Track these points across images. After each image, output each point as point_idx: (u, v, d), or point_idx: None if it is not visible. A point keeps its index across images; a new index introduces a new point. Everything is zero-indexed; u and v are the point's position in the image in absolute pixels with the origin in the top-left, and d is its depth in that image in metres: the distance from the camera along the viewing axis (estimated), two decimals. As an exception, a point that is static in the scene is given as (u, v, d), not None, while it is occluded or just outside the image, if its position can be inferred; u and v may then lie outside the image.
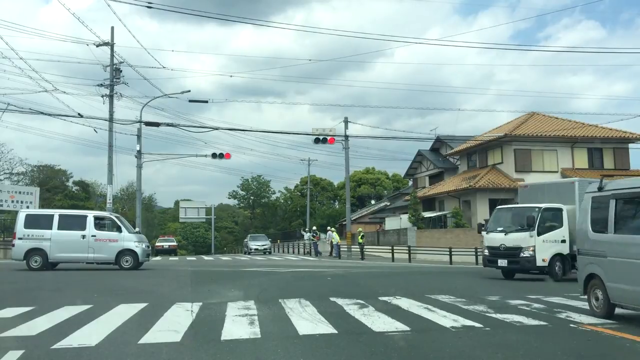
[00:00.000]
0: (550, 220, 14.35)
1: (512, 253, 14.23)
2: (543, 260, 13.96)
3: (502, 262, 14.47)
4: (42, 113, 25.16)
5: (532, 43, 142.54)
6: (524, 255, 14.08)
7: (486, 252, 15.11)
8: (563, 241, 14.21)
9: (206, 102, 35.17)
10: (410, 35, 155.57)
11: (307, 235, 37.49)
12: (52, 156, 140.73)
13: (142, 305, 8.27)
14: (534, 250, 14.02)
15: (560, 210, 14.38)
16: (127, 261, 16.87)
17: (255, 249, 38.26)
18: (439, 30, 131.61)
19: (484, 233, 15.49)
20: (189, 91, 29.81)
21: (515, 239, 14.30)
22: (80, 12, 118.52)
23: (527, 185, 16.91)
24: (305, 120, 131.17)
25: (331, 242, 32.98)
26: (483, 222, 17.13)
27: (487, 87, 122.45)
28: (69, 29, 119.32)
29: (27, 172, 48.00)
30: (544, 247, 14.06)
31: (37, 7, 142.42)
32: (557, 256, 14.07)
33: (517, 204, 16.88)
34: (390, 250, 27.60)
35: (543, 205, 14.36)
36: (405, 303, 8.69)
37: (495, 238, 14.74)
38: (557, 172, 30.74)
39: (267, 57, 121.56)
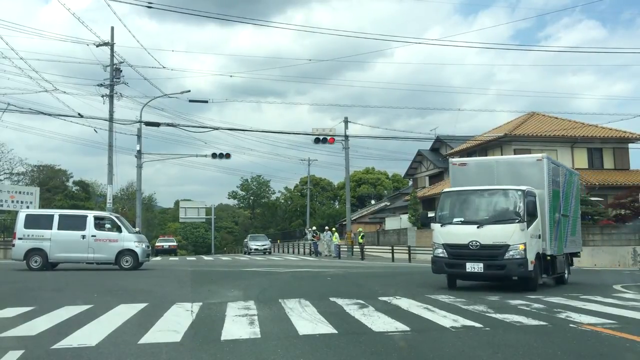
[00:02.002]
0: (530, 209, 10.82)
1: (492, 253, 10.41)
2: (531, 262, 10.45)
3: (474, 267, 10.48)
4: (42, 113, 25.22)
5: (532, 43, 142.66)
6: (512, 257, 10.25)
7: (440, 252, 11.00)
8: (539, 236, 11.06)
9: (206, 102, 35.33)
10: (410, 35, 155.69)
11: (309, 235, 37.43)
12: (52, 156, 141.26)
13: (142, 305, 8.27)
14: (525, 250, 10.29)
15: (534, 195, 11.03)
16: (127, 261, 16.87)
17: (255, 249, 38.28)
18: (439, 30, 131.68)
19: (436, 226, 11.25)
20: (189, 91, 29.91)
21: (496, 233, 10.45)
22: (80, 12, 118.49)
23: (466, 163, 12.54)
24: (305, 120, 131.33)
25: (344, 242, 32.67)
26: (427, 213, 12.82)
27: (487, 87, 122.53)
28: (68, 29, 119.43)
29: (27, 172, 48.07)
30: (531, 244, 10.57)
31: (37, 7, 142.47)
32: (536, 256, 10.87)
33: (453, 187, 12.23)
34: (390, 250, 27.62)
35: (525, 188, 10.83)
36: (405, 303, 8.69)
37: (460, 232, 10.79)
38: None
39: (267, 57, 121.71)
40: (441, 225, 11.15)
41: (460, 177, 12.18)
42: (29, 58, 47.03)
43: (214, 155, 32.34)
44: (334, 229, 35.48)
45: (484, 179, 11.68)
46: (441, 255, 11.03)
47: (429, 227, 13.08)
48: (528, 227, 10.56)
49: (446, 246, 10.96)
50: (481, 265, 10.48)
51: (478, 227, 10.61)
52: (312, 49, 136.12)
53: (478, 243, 10.51)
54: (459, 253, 10.76)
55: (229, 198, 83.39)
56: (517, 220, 10.45)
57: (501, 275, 10.77)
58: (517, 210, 10.54)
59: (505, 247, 10.34)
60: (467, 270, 10.62)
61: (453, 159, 12.87)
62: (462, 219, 10.95)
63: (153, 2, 18.86)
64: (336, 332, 6.17)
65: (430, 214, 14.34)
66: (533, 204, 10.81)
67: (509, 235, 10.37)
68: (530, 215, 10.63)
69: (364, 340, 5.74)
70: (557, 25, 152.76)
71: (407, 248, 27.19)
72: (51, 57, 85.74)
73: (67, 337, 5.78)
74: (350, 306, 8.24)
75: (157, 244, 43.00)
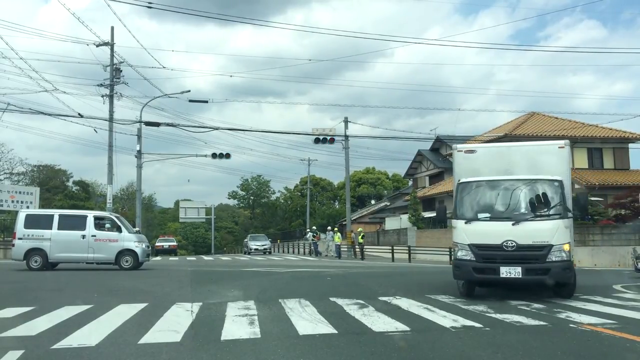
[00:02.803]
0: (582, 203, 9.61)
1: (531, 255, 8.83)
2: (574, 265, 9.08)
3: (511, 272, 8.83)
4: (42, 113, 25.24)
5: (532, 43, 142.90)
6: (556, 259, 8.74)
7: (464, 254, 9.26)
8: None
9: (206, 102, 35.34)
10: (410, 35, 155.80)
11: (310, 236, 37.43)
12: (52, 156, 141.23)
13: (142, 305, 8.27)
14: (569, 251, 8.90)
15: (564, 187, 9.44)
16: (127, 261, 16.88)
17: (255, 249, 38.28)
18: (439, 30, 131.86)
19: (458, 223, 9.52)
20: (189, 91, 29.91)
21: (536, 231, 8.89)
22: (80, 12, 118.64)
23: (474, 150, 10.88)
24: (305, 120, 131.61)
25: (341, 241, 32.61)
26: (446, 207, 10.90)
27: (487, 87, 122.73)
28: (68, 29, 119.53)
29: (27, 172, 48.12)
30: (572, 244, 9.09)
31: (37, 7, 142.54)
32: None
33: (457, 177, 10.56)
34: (390, 250, 27.63)
35: (559, 178, 9.40)
36: (405, 303, 8.68)
37: (491, 231, 9.14)
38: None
39: (267, 57, 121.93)
40: (465, 222, 9.38)
41: (467, 166, 10.48)
42: (29, 58, 47.15)
43: (214, 155, 32.36)
44: (335, 228, 35.45)
45: (495, 168, 10.08)
46: (467, 258, 9.20)
47: (446, 224, 11.95)
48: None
49: (473, 247, 9.18)
50: (519, 269, 8.82)
51: (513, 224, 8.97)
52: (312, 49, 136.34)
53: (514, 243, 8.87)
54: (490, 255, 9.06)
55: (229, 198, 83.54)
56: (559, 216, 8.98)
57: (544, 281, 9.09)
58: (559, 204, 9.07)
59: (547, 248, 8.80)
60: (502, 275, 8.89)
61: (458, 145, 11.16)
62: (489, 215, 9.35)
63: (153, 2, 18.89)
64: (336, 332, 6.17)
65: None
66: (585, 198, 9.39)
67: (552, 233, 8.87)
68: (582, 210, 9.42)
69: (364, 340, 5.74)
70: (557, 25, 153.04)
71: (407, 248, 27.20)
72: (51, 57, 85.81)
73: (67, 337, 5.79)
74: (350, 306, 8.24)
75: (157, 244, 42.99)
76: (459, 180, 9.99)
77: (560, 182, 9.28)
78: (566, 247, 8.83)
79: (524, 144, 11.71)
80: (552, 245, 8.78)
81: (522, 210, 9.21)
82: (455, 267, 9.49)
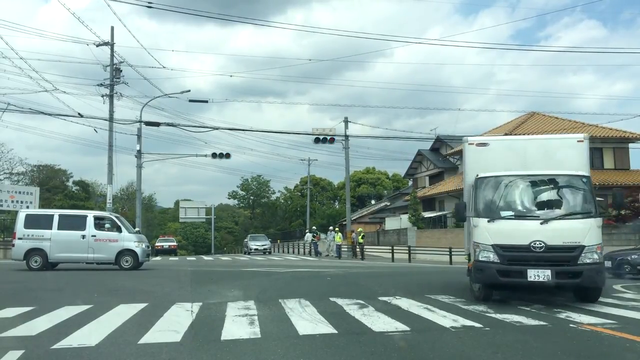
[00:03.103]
0: (619, 201, 9.38)
1: (562, 257, 8.18)
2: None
3: (539, 275, 8.13)
4: (42, 113, 25.29)
5: (532, 42, 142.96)
6: (589, 262, 8.13)
7: (486, 255, 8.50)
8: None
9: (206, 102, 35.39)
10: (410, 35, 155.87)
11: (308, 236, 37.40)
12: (52, 156, 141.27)
13: (142, 305, 8.27)
14: (602, 252, 8.37)
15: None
16: (127, 261, 16.88)
17: (255, 249, 38.28)
18: (440, 29, 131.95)
19: (480, 222, 8.72)
20: (189, 91, 29.94)
21: (567, 230, 8.26)
22: (80, 12, 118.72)
23: (487, 143, 10.03)
24: (305, 120, 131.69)
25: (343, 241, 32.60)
26: (465, 204, 9.62)
27: (487, 86, 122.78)
28: (68, 28, 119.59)
29: (27, 172, 48.13)
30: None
31: (37, 7, 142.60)
32: None
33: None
34: (390, 250, 27.62)
35: (587, 174, 8.95)
36: (405, 303, 8.68)
37: (518, 230, 8.43)
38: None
39: (267, 57, 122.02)
40: (489, 221, 8.61)
41: (480, 160, 9.75)
42: (29, 58, 47.19)
43: (214, 155, 32.38)
44: (337, 228, 35.47)
45: (510, 162, 9.39)
46: (490, 260, 8.45)
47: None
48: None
49: (497, 248, 8.43)
50: (548, 272, 8.10)
51: (542, 224, 8.30)
52: (312, 49, 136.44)
53: (543, 244, 8.18)
54: (516, 257, 8.34)
55: (229, 198, 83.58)
56: (590, 215, 8.38)
57: (575, 285, 8.47)
58: (590, 201, 8.53)
59: (579, 249, 8.14)
60: (530, 278, 8.16)
61: (469, 138, 10.33)
62: (513, 213, 8.66)
63: (153, 2, 18.91)
64: (336, 332, 6.18)
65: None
66: (621, 194, 9.05)
67: (584, 233, 8.22)
68: (619, 207, 8.63)
69: (364, 340, 5.75)
70: (557, 25, 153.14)
71: (407, 248, 27.19)
72: (51, 57, 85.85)
73: (67, 337, 5.79)
74: (350, 306, 8.24)
75: (157, 244, 43.00)
76: (477, 175, 9.26)
77: (588, 178, 8.78)
78: (598, 248, 8.27)
79: (540, 137, 10.78)
80: (584, 247, 8.16)
81: (550, 208, 8.58)
82: (477, 269, 8.67)
